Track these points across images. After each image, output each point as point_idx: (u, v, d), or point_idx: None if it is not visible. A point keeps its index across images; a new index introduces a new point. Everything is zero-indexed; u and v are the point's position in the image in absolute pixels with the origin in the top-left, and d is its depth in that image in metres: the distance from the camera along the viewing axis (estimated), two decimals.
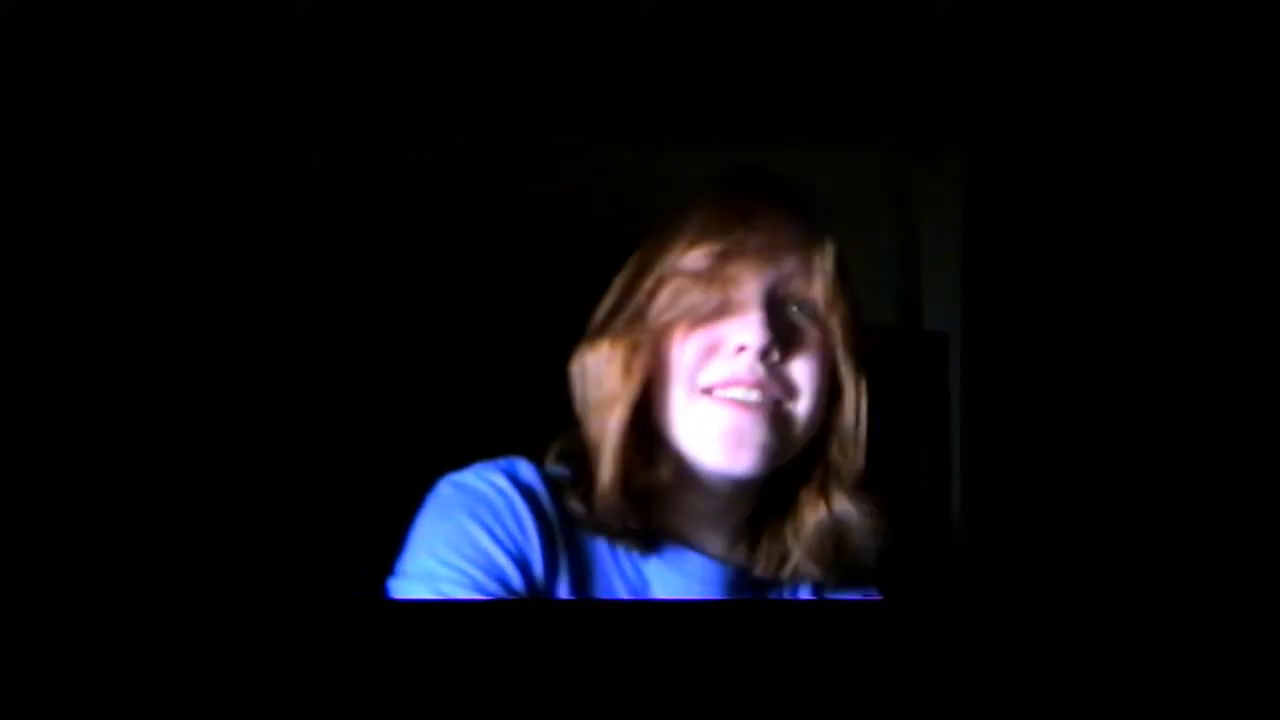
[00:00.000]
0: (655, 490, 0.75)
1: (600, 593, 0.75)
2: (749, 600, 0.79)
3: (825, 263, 0.76)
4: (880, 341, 1.95)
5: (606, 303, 0.79)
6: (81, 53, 0.62)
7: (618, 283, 0.79)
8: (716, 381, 0.73)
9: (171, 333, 0.62)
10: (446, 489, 0.75)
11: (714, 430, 0.73)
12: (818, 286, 0.76)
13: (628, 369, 0.74)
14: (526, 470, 0.76)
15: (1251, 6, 0.62)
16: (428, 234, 1.36)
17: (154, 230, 0.62)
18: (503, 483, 0.74)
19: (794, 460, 0.77)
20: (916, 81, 0.68)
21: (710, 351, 0.74)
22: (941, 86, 0.68)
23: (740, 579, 0.79)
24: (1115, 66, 0.64)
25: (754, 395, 0.73)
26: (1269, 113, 0.62)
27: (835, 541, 0.78)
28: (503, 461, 0.77)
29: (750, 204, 0.76)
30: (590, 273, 0.83)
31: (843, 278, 0.77)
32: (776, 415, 0.74)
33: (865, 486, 0.77)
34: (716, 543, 0.79)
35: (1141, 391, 0.62)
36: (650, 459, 0.75)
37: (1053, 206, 0.64)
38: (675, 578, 0.77)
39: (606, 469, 0.74)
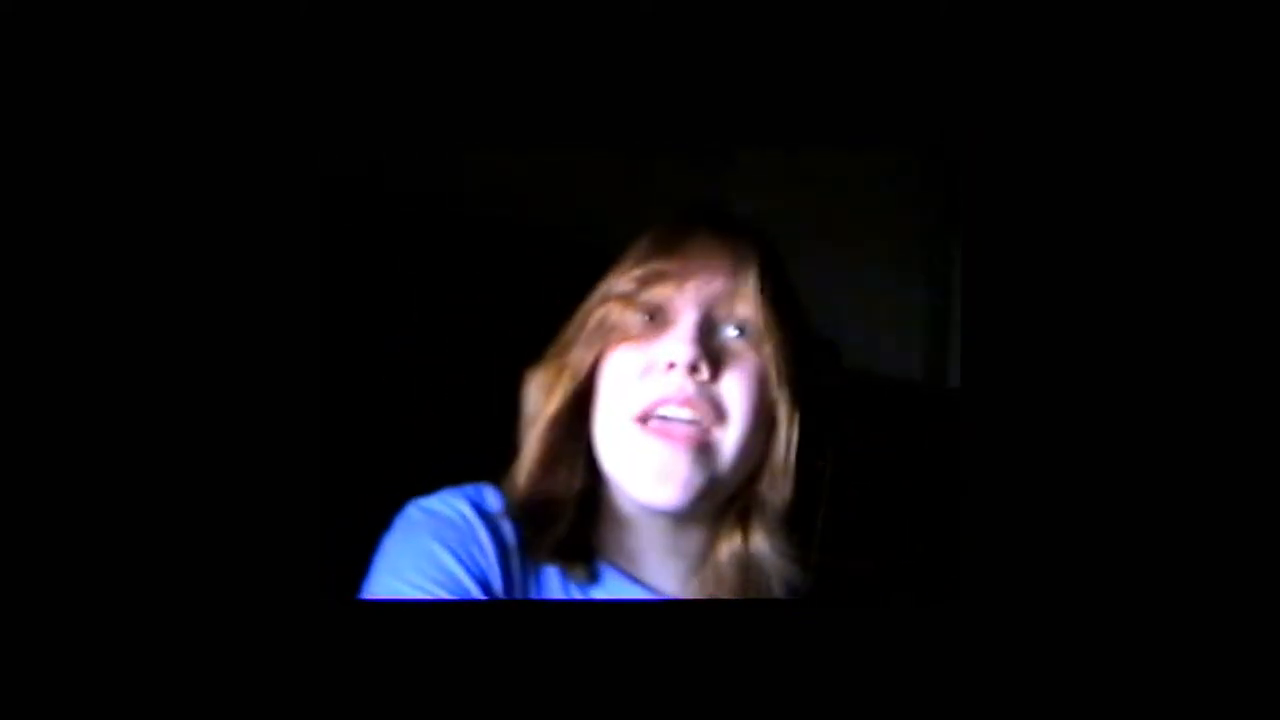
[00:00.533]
0: (565, 508, 0.77)
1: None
2: (748, 600, 0.77)
3: (752, 283, 0.75)
4: (900, 395, 1.96)
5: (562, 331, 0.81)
6: (81, 53, 0.62)
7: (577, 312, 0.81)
8: (646, 404, 0.73)
9: (171, 333, 0.62)
10: (413, 513, 0.77)
11: (641, 462, 0.74)
12: (749, 308, 0.75)
13: (550, 390, 0.77)
14: (491, 498, 0.78)
15: (1251, 6, 0.62)
16: (427, 237, 1.37)
17: (153, 231, 0.62)
18: (467, 509, 0.76)
19: (734, 495, 0.76)
20: (916, 81, 0.68)
21: (643, 371, 0.74)
22: (941, 86, 0.67)
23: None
24: (1116, 66, 0.63)
25: (684, 414, 0.73)
26: (1269, 114, 0.61)
27: (744, 576, 0.76)
28: (469, 488, 0.79)
29: (687, 231, 0.78)
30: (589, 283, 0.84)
31: (778, 303, 0.76)
32: (705, 447, 0.73)
33: (789, 525, 0.75)
34: (667, 579, 0.79)
35: (1141, 394, 0.62)
36: (567, 478, 0.77)
37: (1053, 209, 0.64)
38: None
39: (520, 478, 0.77)
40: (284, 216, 0.64)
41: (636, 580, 0.78)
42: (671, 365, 0.73)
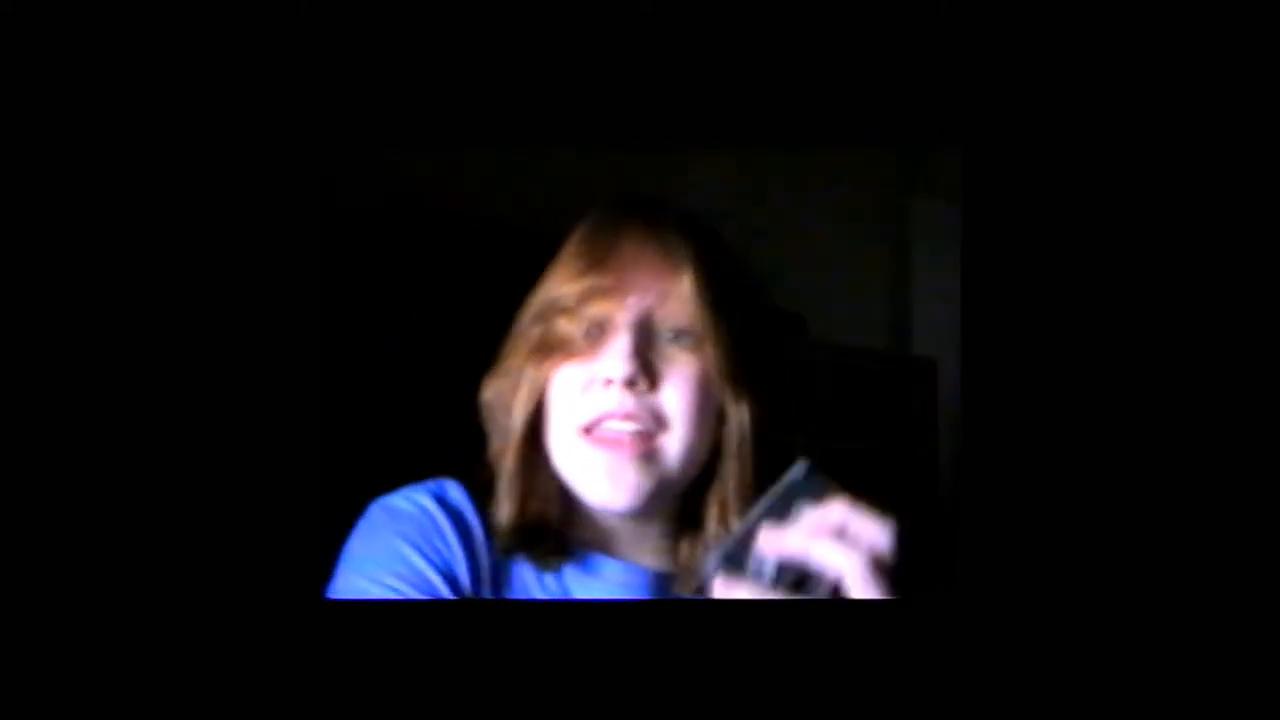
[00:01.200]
0: (550, 521, 0.78)
1: (518, 596, 0.78)
2: (746, 600, 0.77)
3: (684, 287, 0.75)
4: (870, 364, 1.95)
5: (513, 333, 0.81)
6: (81, 52, 0.62)
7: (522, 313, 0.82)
8: (590, 418, 0.74)
9: (170, 332, 0.62)
10: (376, 512, 0.78)
11: (590, 472, 0.74)
12: (685, 314, 0.75)
13: (513, 407, 0.78)
14: (455, 491, 0.79)
15: (1251, 6, 0.62)
16: (427, 236, 1.36)
17: (152, 231, 0.62)
18: (429, 504, 0.77)
19: (697, 481, 0.77)
20: (916, 81, 0.68)
21: (584, 387, 0.75)
22: (941, 86, 0.67)
23: (663, 586, 0.79)
24: (1116, 66, 0.64)
25: (626, 426, 0.73)
26: (1269, 114, 0.62)
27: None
28: (431, 483, 0.80)
29: (620, 232, 0.77)
30: None
31: (718, 302, 0.76)
32: (649, 453, 0.74)
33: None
34: (639, 553, 0.79)
35: (1140, 394, 0.62)
36: (544, 493, 0.78)
37: (1053, 208, 0.64)
38: (596, 585, 0.78)
39: (503, 505, 0.77)
40: (283, 215, 0.64)
41: (612, 556, 0.78)
42: (609, 381, 0.73)
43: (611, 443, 0.73)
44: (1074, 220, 0.63)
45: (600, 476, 0.74)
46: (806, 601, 0.59)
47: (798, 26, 0.70)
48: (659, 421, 0.74)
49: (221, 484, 0.62)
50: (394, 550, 0.74)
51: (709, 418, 0.75)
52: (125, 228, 0.61)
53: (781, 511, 0.60)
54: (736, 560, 0.60)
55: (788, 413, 0.80)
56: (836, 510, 0.59)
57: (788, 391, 0.81)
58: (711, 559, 0.60)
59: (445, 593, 0.74)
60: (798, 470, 0.61)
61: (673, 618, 0.68)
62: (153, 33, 0.63)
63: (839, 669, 0.62)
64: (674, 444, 0.74)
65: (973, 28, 0.66)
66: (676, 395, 0.74)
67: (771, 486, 0.61)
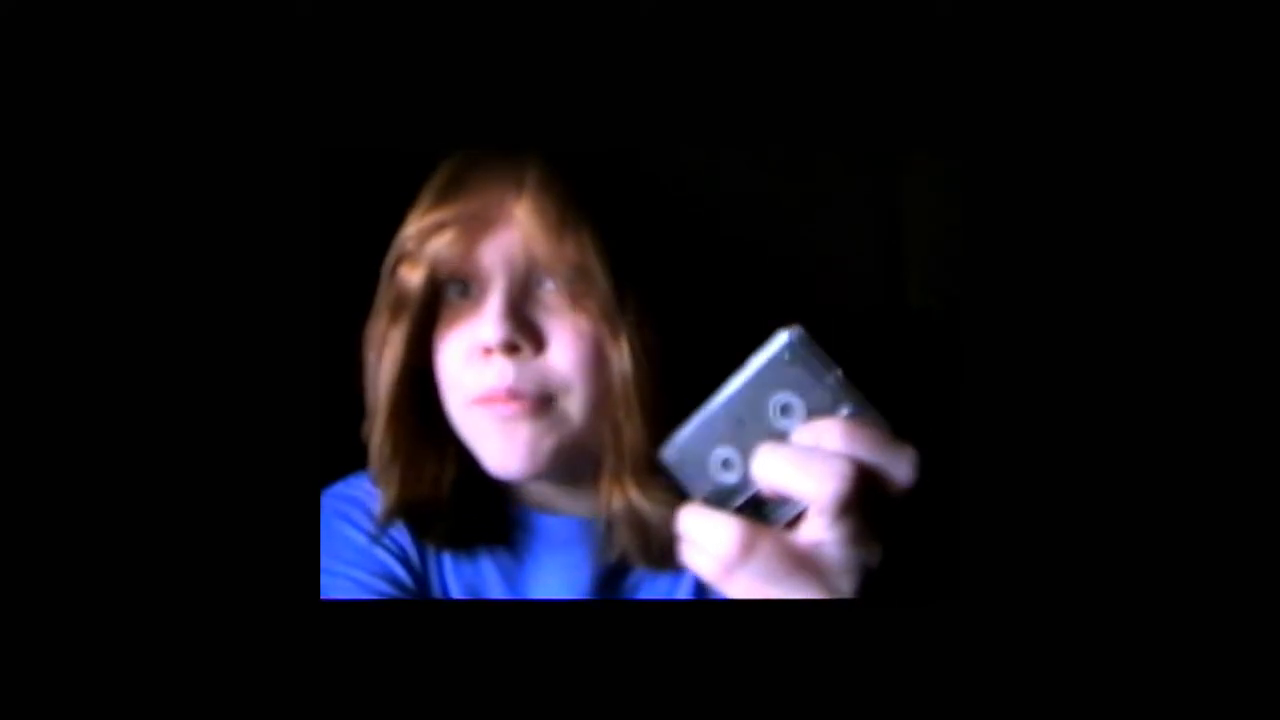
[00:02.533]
0: (443, 502, 0.71)
1: (469, 571, 0.73)
2: (745, 600, 0.75)
3: (522, 211, 0.65)
4: (869, 321, 1.92)
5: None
6: (81, 49, 0.62)
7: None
8: (476, 394, 0.66)
9: (169, 331, 0.62)
10: (325, 501, 0.75)
11: (485, 439, 0.67)
12: (554, 255, 0.65)
13: (379, 377, 0.70)
14: None
15: (1251, 6, 0.61)
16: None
17: (151, 228, 0.62)
18: (372, 486, 0.73)
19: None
20: (917, 81, 0.66)
21: (467, 357, 0.67)
22: (942, 86, 0.66)
23: (596, 532, 0.73)
24: (1117, 67, 0.62)
25: (514, 404, 0.65)
26: (1269, 113, 0.60)
27: (641, 531, 0.69)
28: None
29: (475, 163, 0.68)
30: None
31: (568, 227, 0.65)
32: (548, 415, 0.66)
33: (656, 470, 0.61)
34: (578, 506, 0.74)
35: (1141, 391, 0.61)
36: (432, 472, 0.71)
37: (1053, 207, 0.63)
38: (541, 545, 0.74)
39: (382, 489, 0.71)
40: (283, 213, 0.63)
41: (553, 512, 0.74)
42: (488, 350, 0.65)
43: (503, 414, 0.66)
44: (1074, 220, 0.62)
45: (495, 443, 0.66)
46: (808, 602, 0.46)
47: (798, 26, 0.68)
48: (552, 386, 0.65)
49: (217, 481, 0.62)
50: (344, 537, 0.72)
51: (606, 374, 0.66)
52: (124, 227, 0.61)
53: (755, 404, 0.46)
54: (693, 458, 0.47)
55: (689, 359, 0.67)
56: (831, 435, 0.44)
57: (693, 327, 0.69)
58: (666, 450, 0.48)
59: (397, 569, 0.71)
60: (781, 347, 0.45)
61: (668, 618, 0.66)
62: (152, 29, 0.62)
63: (839, 669, 0.60)
64: (574, 405, 0.66)
65: (973, 28, 0.64)
66: (565, 354, 0.65)
67: (747, 363, 0.46)
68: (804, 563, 0.44)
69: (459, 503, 0.72)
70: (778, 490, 0.45)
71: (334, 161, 0.67)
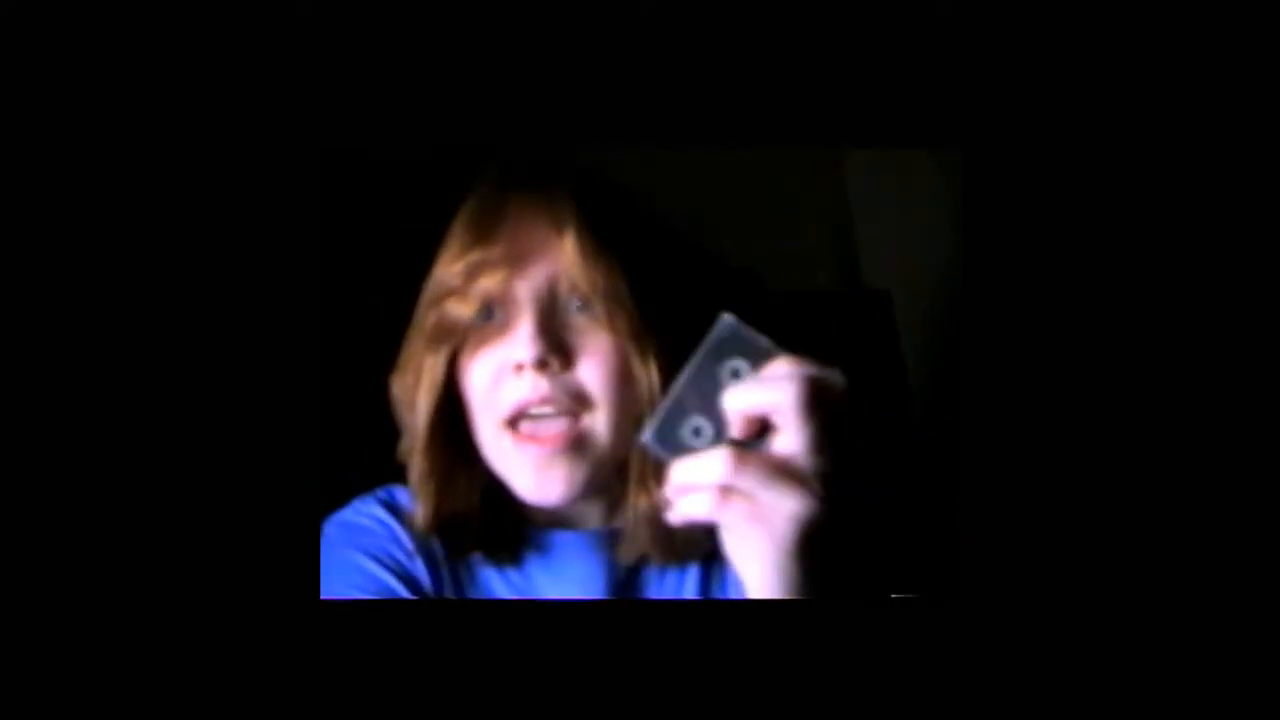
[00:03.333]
0: (473, 518, 0.75)
1: (481, 592, 0.76)
2: (744, 600, 0.76)
3: (569, 248, 0.71)
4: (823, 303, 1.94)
5: (412, 323, 0.77)
6: (81, 49, 0.61)
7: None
8: (509, 409, 0.71)
9: (169, 331, 0.62)
10: (330, 529, 0.77)
11: (519, 470, 0.72)
12: (583, 280, 0.71)
13: (411, 403, 0.75)
14: (403, 495, 0.78)
15: (1251, 6, 0.62)
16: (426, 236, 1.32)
17: (151, 228, 0.62)
18: (379, 512, 0.77)
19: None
20: (917, 81, 0.67)
21: (497, 376, 0.71)
22: (941, 86, 0.66)
23: (613, 542, 0.77)
24: (1117, 66, 0.63)
25: (546, 411, 0.70)
26: (1269, 112, 0.61)
27: (664, 527, 0.72)
28: (380, 491, 0.79)
29: (505, 200, 0.73)
30: None
31: (608, 262, 0.71)
32: (579, 439, 0.71)
33: None
34: (590, 518, 0.78)
35: (1142, 390, 0.62)
36: (463, 491, 0.75)
37: (1053, 207, 0.63)
38: (555, 564, 0.76)
39: (417, 506, 0.75)
40: (283, 213, 0.63)
41: (563, 528, 0.77)
42: (520, 366, 0.70)
43: (537, 437, 0.70)
44: (1074, 219, 0.63)
45: (529, 474, 0.71)
46: (807, 601, 0.54)
47: (798, 26, 0.68)
48: (581, 401, 0.70)
49: (217, 481, 0.61)
50: (352, 564, 0.73)
51: (632, 392, 0.71)
52: (124, 226, 0.61)
53: (710, 376, 0.55)
54: (670, 433, 0.55)
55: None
56: (779, 367, 0.53)
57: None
58: (645, 432, 0.55)
59: (407, 596, 0.73)
60: (722, 327, 0.56)
61: (668, 617, 0.67)
62: (152, 28, 0.62)
63: (839, 669, 0.61)
64: (600, 423, 0.71)
65: (973, 28, 0.65)
66: (594, 371, 0.70)
67: (697, 348, 0.56)
68: (784, 470, 0.52)
69: (485, 517, 0.76)
70: (748, 412, 0.53)
71: (334, 161, 0.68)
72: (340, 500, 0.80)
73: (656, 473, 0.70)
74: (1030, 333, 0.63)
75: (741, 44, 0.66)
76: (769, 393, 0.52)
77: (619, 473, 0.74)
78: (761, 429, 0.53)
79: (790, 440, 0.52)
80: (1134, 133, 0.63)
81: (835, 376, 0.52)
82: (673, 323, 0.71)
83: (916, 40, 0.65)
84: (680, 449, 0.55)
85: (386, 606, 0.71)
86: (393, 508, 0.77)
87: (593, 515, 0.77)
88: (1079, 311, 0.62)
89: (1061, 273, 0.63)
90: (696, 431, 0.55)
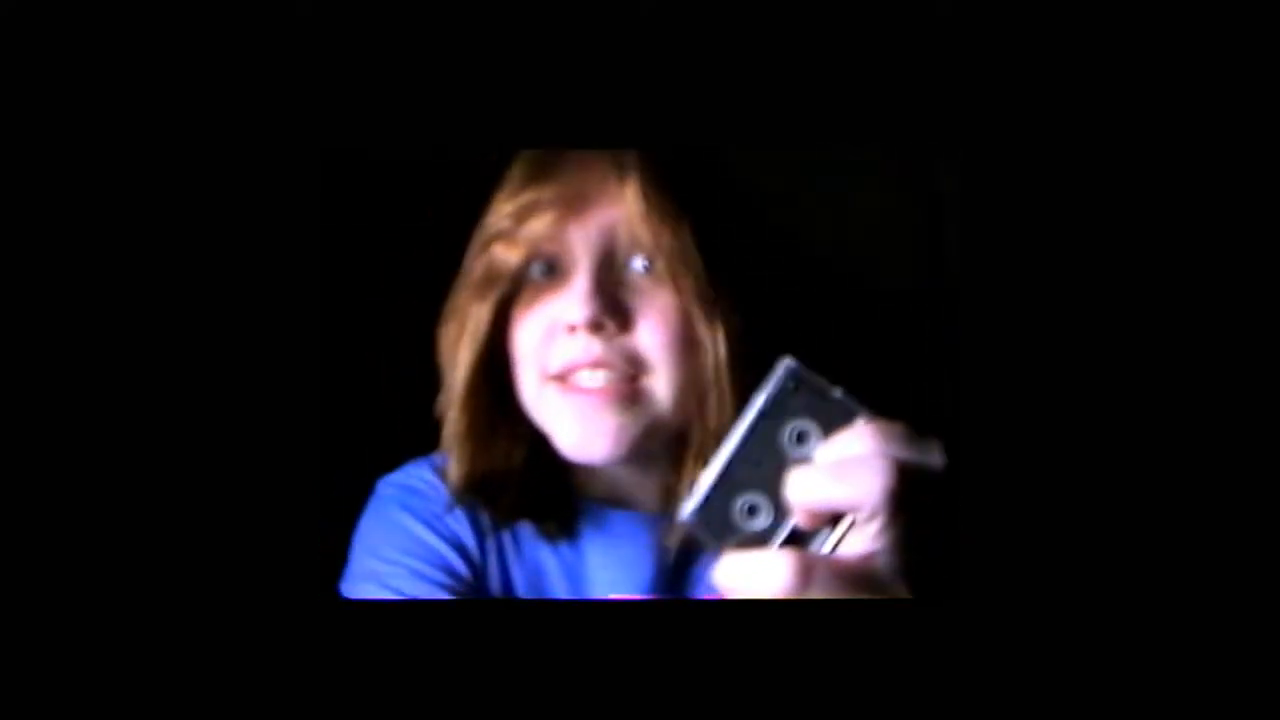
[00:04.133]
0: (512, 477, 0.71)
1: (530, 564, 0.74)
2: (744, 600, 0.75)
3: (631, 198, 0.65)
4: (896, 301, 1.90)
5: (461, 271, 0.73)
6: (81, 50, 0.61)
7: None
8: (559, 368, 0.66)
9: (170, 331, 0.62)
10: (382, 490, 0.76)
11: (564, 420, 0.67)
12: (647, 235, 0.65)
13: (453, 355, 0.70)
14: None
15: (1251, 7, 0.60)
16: (426, 232, 1.33)
17: (151, 229, 0.62)
18: (430, 476, 0.75)
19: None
20: (916, 81, 0.66)
21: (548, 334, 0.67)
22: (941, 86, 0.65)
23: (671, 529, 0.72)
24: (1117, 67, 0.61)
25: (599, 375, 0.66)
26: (1269, 113, 0.59)
27: None
28: (434, 456, 0.76)
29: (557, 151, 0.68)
30: None
31: (674, 216, 0.65)
32: (631, 395, 0.66)
33: None
34: (646, 499, 0.74)
35: (1142, 390, 0.60)
36: (503, 449, 0.70)
37: (1053, 206, 0.62)
38: (606, 540, 0.73)
39: (451, 465, 0.71)
40: (283, 213, 0.63)
41: (618, 507, 0.73)
42: (573, 327, 0.65)
43: (587, 390, 0.66)
44: (1074, 218, 0.61)
45: (573, 424, 0.66)
46: (807, 602, 0.43)
47: (798, 27, 0.67)
48: (637, 365, 0.66)
49: (216, 481, 0.61)
50: (402, 527, 0.72)
51: (693, 355, 0.66)
52: (124, 226, 0.61)
53: (768, 441, 0.44)
54: (717, 512, 0.44)
55: (774, 337, 0.67)
56: (859, 442, 0.42)
57: (773, 315, 0.69)
58: (686, 510, 0.45)
59: (454, 560, 0.71)
60: (784, 374, 0.44)
61: (672, 618, 0.65)
62: (152, 27, 0.62)
63: (839, 669, 0.59)
64: (660, 385, 0.66)
65: (973, 28, 0.63)
66: (653, 335, 0.65)
67: (750, 404, 0.44)
68: (861, 579, 0.42)
69: (527, 479, 0.72)
70: (818, 508, 0.43)
71: (334, 161, 0.68)
72: (340, 499, 0.79)
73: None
74: (1030, 332, 0.61)
75: (741, 44, 0.65)
76: (846, 485, 0.41)
77: (677, 448, 0.70)
78: (834, 516, 0.43)
79: (871, 539, 0.42)
80: (1135, 133, 0.61)
81: (934, 458, 0.42)
82: (745, 289, 0.68)
83: (916, 41, 0.63)
84: (729, 533, 0.44)
85: (403, 608, 0.70)
86: (444, 474, 0.75)
87: (648, 496, 0.74)
88: (1078, 311, 0.61)
89: (1063, 272, 0.61)
90: (750, 510, 0.44)
